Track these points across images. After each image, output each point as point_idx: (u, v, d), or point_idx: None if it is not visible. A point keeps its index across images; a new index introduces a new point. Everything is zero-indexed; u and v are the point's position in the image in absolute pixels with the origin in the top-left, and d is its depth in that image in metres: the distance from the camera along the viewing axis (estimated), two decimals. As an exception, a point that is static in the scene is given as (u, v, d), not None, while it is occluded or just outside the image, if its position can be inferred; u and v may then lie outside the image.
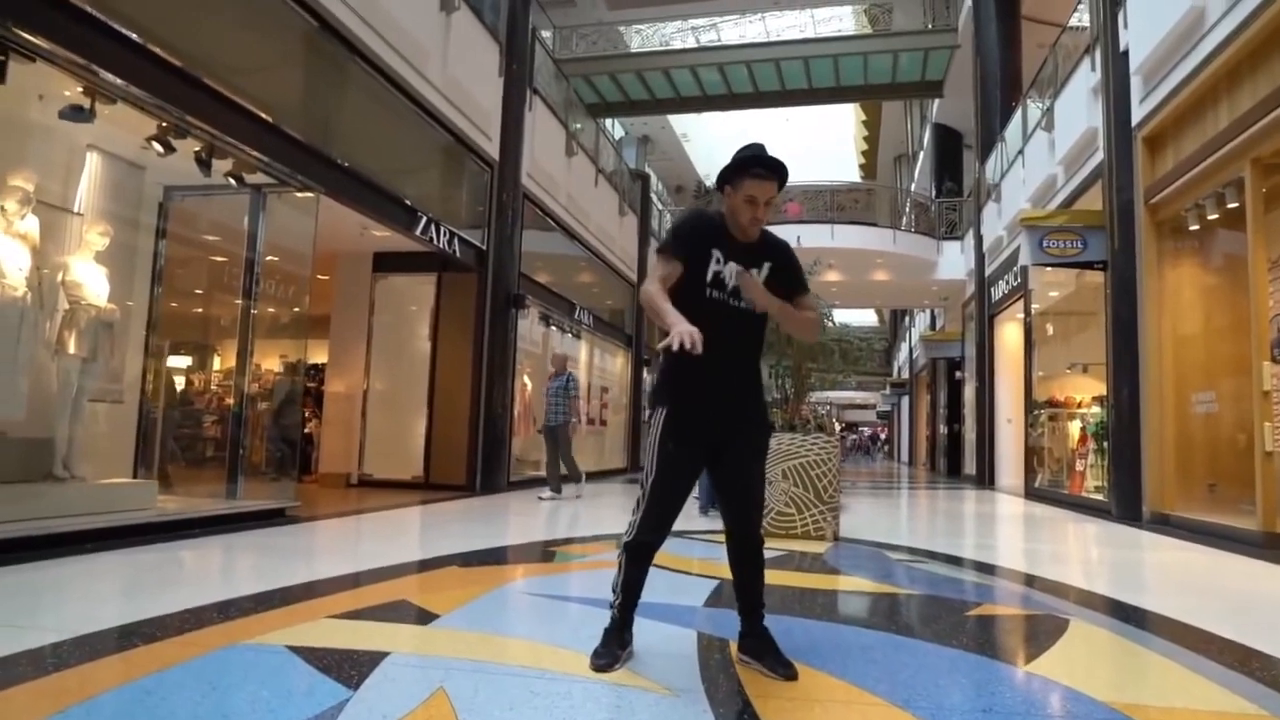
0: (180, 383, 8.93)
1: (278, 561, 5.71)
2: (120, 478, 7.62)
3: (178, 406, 8.81)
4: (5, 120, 6.69)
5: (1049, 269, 13.07)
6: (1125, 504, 10.46)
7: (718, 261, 3.09)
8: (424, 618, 3.92)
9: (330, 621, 3.79)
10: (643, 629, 3.53)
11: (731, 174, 3.12)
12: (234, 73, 7.49)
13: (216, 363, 9.32)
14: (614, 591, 3.26)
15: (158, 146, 7.01)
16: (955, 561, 6.57)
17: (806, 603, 4.68)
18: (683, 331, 2.75)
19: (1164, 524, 9.63)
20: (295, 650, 3.27)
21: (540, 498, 11.24)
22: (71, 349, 6.63)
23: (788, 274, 3.22)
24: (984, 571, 6.10)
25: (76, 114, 6.32)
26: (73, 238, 7.15)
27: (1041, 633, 4.07)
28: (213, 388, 9.21)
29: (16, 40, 5.52)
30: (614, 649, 3.17)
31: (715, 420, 3.12)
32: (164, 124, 6.90)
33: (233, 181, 7.91)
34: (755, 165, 3.07)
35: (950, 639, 3.84)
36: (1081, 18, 13.14)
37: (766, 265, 3.17)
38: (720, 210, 3.23)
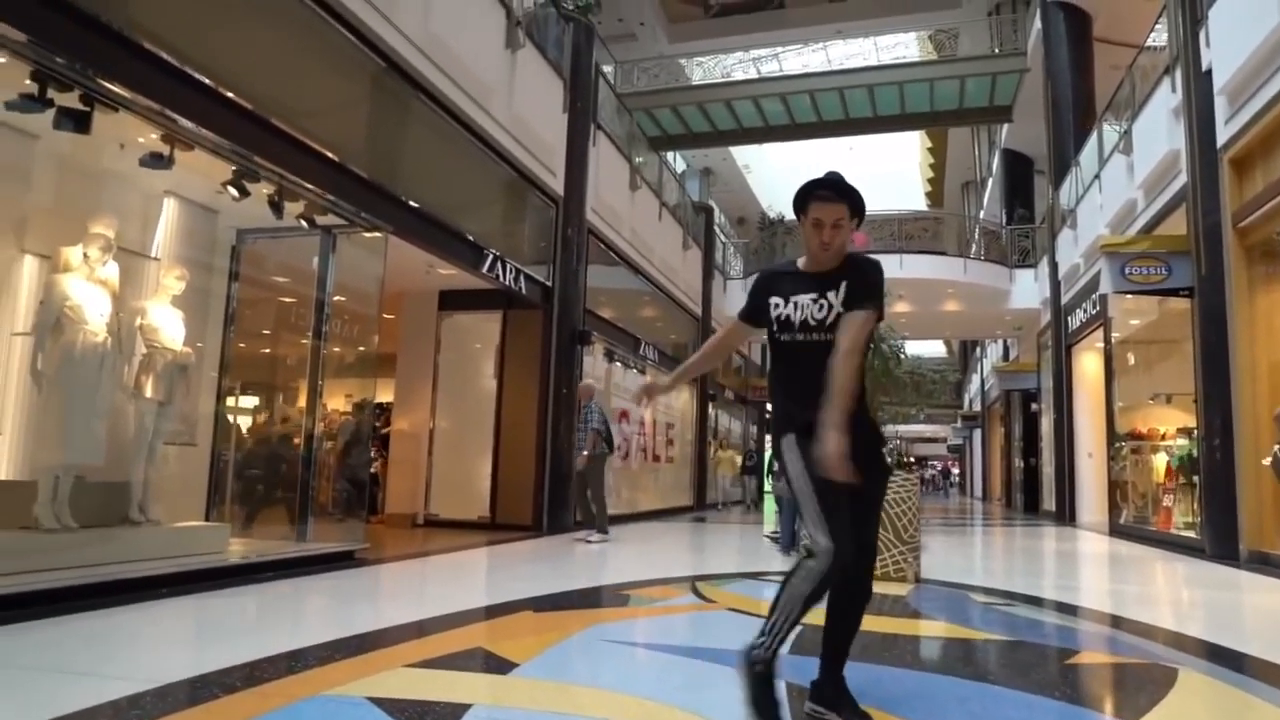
0: (249, 424, 9.04)
1: (350, 606, 5.74)
2: (193, 520, 7.72)
3: (247, 448, 8.89)
4: (88, 169, 6.92)
5: (1129, 296, 12.89)
6: (1220, 542, 10.13)
7: (776, 306, 3.15)
8: (502, 666, 3.89)
9: (408, 671, 3.77)
10: (723, 679, 3.48)
11: (798, 202, 3.14)
12: (303, 115, 7.64)
13: (285, 404, 9.43)
14: (771, 633, 2.89)
15: (233, 191, 7.16)
16: (1043, 604, 6.42)
17: (893, 649, 4.56)
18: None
19: (1263, 563, 9.32)
20: (377, 702, 3.25)
21: (588, 540, 10.49)
22: (148, 392, 6.77)
23: (857, 289, 3.06)
24: (1075, 615, 5.96)
25: (156, 161, 6.51)
26: (150, 282, 7.33)
27: (1149, 683, 3.90)
28: (280, 429, 9.31)
29: (101, 91, 5.69)
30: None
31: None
32: (238, 168, 7.06)
33: (304, 223, 8.03)
34: (818, 188, 3.08)
35: (1052, 690, 3.71)
36: (1159, 37, 12.98)
37: (843, 286, 3.07)
38: (793, 258, 3.28)
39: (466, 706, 3.22)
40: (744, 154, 33.26)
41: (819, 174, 3.16)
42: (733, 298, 24.23)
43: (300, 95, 7.79)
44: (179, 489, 7.74)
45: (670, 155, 26.27)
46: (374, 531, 10.65)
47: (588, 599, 6.27)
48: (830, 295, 3.06)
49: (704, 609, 5.85)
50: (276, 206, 7.59)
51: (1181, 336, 11.88)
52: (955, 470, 65.99)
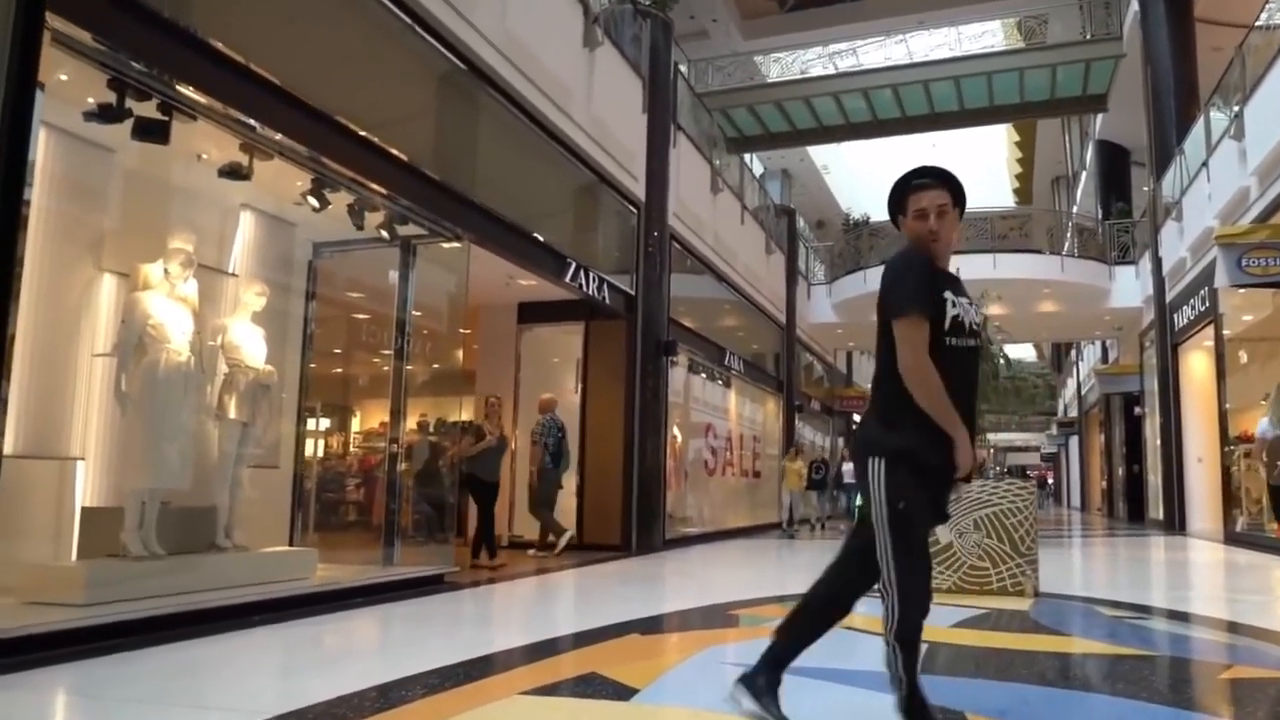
0: (331, 445, 8.97)
1: (450, 632, 5.72)
2: (277, 545, 7.66)
3: (329, 470, 8.83)
4: (164, 183, 6.86)
5: (1240, 291, 12.75)
6: None
7: (953, 305, 2.96)
8: (622, 693, 3.81)
9: (525, 699, 3.70)
10: (856, 699, 3.52)
11: (895, 197, 3.09)
12: (381, 119, 7.55)
13: (364, 424, 9.36)
14: (898, 684, 2.93)
15: (313, 200, 7.10)
16: (1180, 618, 6.39)
17: (1032, 666, 4.50)
18: (967, 463, 2.83)
19: None
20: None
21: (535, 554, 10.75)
22: (232, 413, 6.66)
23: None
24: (1215, 627, 5.90)
25: (234, 172, 6.43)
26: (228, 300, 7.25)
27: None
28: (361, 449, 9.24)
29: (178, 98, 5.60)
30: None
31: (956, 480, 2.99)
32: (317, 177, 6.98)
33: (384, 234, 7.95)
34: (915, 176, 3.06)
35: (1216, 708, 3.70)
36: (1272, 15, 12.83)
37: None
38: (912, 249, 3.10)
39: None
40: (822, 155, 32.83)
41: (902, 172, 3.16)
42: (817, 304, 23.92)
43: (376, 100, 7.71)
44: (261, 513, 7.65)
45: (748, 158, 25.98)
46: (461, 554, 10.49)
47: (695, 620, 6.26)
48: (965, 300, 3.03)
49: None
50: (357, 215, 7.54)
51: None
52: (1049, 479, 64.52)
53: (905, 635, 2.86)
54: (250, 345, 6.87)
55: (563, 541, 10.86)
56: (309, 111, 6.59)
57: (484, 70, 9.01)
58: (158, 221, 6.63)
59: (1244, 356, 15.31)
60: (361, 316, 9.08)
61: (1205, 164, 15.47)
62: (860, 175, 33.82)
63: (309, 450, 8.48)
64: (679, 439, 15.13)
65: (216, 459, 6.71)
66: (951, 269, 3.26)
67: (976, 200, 30.70)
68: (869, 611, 3.00)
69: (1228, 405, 14.89)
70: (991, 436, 45.18)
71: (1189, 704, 3.62)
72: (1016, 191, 40.98)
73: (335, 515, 9.06)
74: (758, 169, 30.36)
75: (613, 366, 12.65)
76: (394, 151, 7.59)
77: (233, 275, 7.43)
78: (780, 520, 17.27)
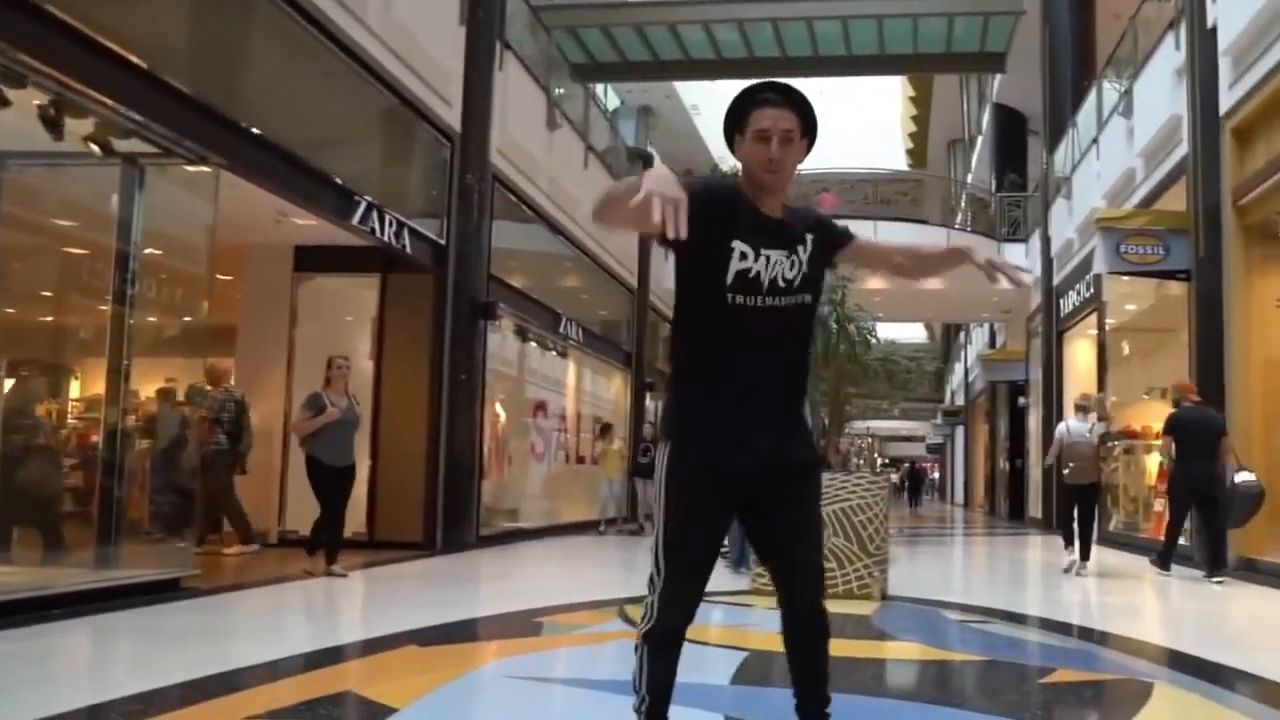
0: (19, 414, 8.13)
1: (175, 647, 5.51)
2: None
3: (25, 448, 8.07)
4: None
5: (1125, 278, 13.52)
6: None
7: (743, 257, 2.83)
8: (376, 714, 3.81)
9: None
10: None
11: (736, 113, 2.96)
12: (95, 2, 6.91)
13: (76, 389, 8.51)
14: (635, 692, 2.99)
15: (-18, 97, 6.29)
16: (1020, 620, 6.99)
17: (855, 674, 4.71)
18: (656, 193, 2.43)
19: (1250, 570, 10.04)
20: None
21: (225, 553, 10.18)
22: None
23: (832, 233, 3.07)
24: (1054, 631, 6.55)
25: None
26: None
27: (1124, 699, 4.44)
28: (71, 421, 8.39)
29: None
30: None
31: (749, 457, 2.88)
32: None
33: (95, 149, 7.23)
34: (760, 90, 2.94)
35: (1024, 711, 4.13)
36: None
37: (809, 239, 2.96)
38: (736, 179, 3.02)
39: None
40: (692, 92, 32.76)
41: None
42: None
43: None
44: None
45: (600, 89, 25.60)
46: (210, 555, 10.07)
47: (490, 629, 6.36)
48: (800, 250, 2.93)
49: (634, 636, 5.66)
50: (52, 123, 6.75)
51: (1178, 325, 12.57)
52: (934, 473, 66.67)
53: (651, 632, 2.95)
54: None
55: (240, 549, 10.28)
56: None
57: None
58: None
59: (1126, 348, 16.21)
60: (69, 250, 8.38)
61: (1096, 140, 16.22)
62: (736, 120, 33.76)
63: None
64: (501, 418, 14.90)
65: None
66: None
67: (865, 160, 31.17)
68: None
69: (1110, 399, 15.34)
70: (873, 424, 46.14)
71: (999, 709, 4.08)
72: (910, 154, 41.89)
73: (36, 506, 8.20)
74: (613, 102, 29.98)
75: (417, 329, 12.39)
76: (113, 46, 6.90)
77: None
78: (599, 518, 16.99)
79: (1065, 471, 10.64)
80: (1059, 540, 11.10)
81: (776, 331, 2.91)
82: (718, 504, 2.92)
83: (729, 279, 2.81)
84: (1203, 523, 10.09)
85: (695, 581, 2.93)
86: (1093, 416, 10.86)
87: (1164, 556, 9.94)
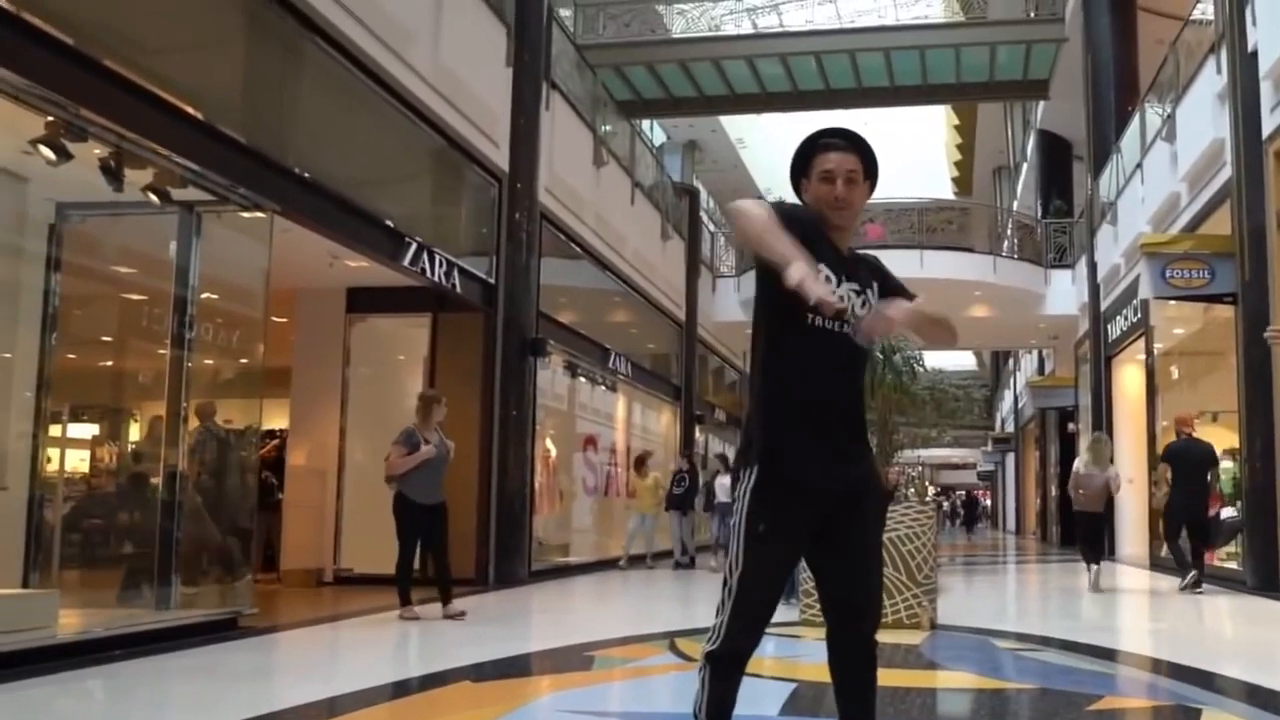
0: (85, 460, 8.24)
1: (230, 686, 5.52)
2: (8, 588, 6.95)
3: (85, 491, 8.20)
4: None
5: (1172, 302, 13.54)
6: (1261, 574, 10.61)
7: (827, 280, 2.87)
8: None
9: None
10: None
11: (801, 158, 3.07)
12: (152, 56, 7.01)
13: (135, 432, 8.61)
14: (695, 717, 3.00)
15: (47, 151, 6.40)
16: (1072, 648, 6.92)
17: (903, 704, 4.73)
18: (809, 279, 2.59)
19: None
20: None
21: None
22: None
23: (901, 291, 3.10)
24: (1104, 658, 6.51)
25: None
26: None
27: None
28: (134, 464, 8.50)
29: None
30: None
31: (834, 479, 2.94)
32: (53, 119, 6.28)
33: (154, 198, 7.34)
34: (823, 136, 3.05)
35: None
36: (1205, 10, 13.47)
37: (875, 285, 3.05)
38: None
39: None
40: (737, 125, 32.78)
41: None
42: (723, 299, 23.81)
43: (149, 30, 7.17)
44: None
45: (645, 125, 25.68)
46: (267, 593, 10.18)
47: (544, 664, 6.38)
48: (869, 292, 3.02)
49: (685, 669, 5.85)
50: (113, 174, 6.89)
51: (1227, 348, 12.52)
52: (986, 500, 65.79)
53: (716, 654, 2.94)
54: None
55: None
56: (43, 40, 5.94)
57: (298, 4, 8.53)
58: None
59: (1175, 372, 16.08)
60: (127, 296, 8.49)
61: (1140, 165, 16.10)
62: (782, 152, 33.67)
63: (53, 465, 7.73)
64: (553, 454, 14.91)
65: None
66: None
67: (910, 189, 30.97)
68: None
69: (1160, 423, 15.54)
70: (924, 453, 45.72)
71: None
72: (956, 181, 41.52)
73: (95, 548, 8.32)
74: (659, 138, 30.04)
75: (468, 367, 12.35)
76: (168, 97, 6.98)
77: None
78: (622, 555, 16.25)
79: (1075, 498, 11.81)
80: (1112, 566, 11.74)
81: (848, 358, 2.98)
82: (801, 524, 2.93)
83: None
84: (1191, 541, 11.07)
85: (765, 604, 2.97)
86: (1104, 463, 11.81)
87: (1183, 572, 10.71)
